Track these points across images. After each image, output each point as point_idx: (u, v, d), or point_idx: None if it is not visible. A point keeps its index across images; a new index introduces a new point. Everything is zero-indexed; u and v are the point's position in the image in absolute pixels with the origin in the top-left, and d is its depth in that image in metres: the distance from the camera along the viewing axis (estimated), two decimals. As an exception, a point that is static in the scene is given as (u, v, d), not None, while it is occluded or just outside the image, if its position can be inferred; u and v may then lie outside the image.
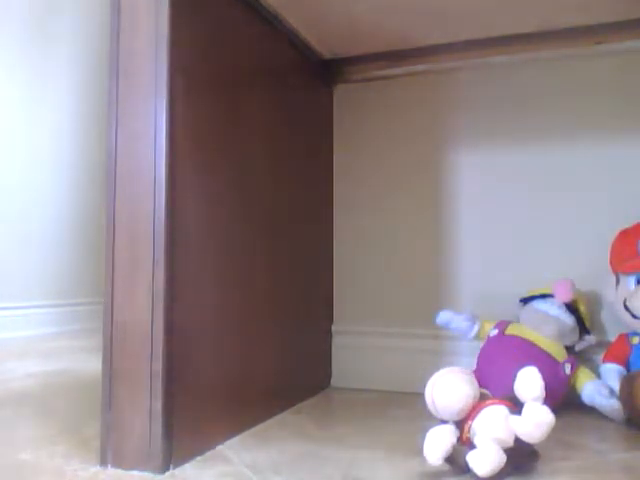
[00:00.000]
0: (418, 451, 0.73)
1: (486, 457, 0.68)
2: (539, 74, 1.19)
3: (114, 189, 0.78)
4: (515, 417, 0.71)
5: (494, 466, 0.68)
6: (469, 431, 0.72)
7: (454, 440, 0.72)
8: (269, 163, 1.03)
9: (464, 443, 0.73)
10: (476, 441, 0.71)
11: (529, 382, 0.72)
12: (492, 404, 0.74)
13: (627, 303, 1.03)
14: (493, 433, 0.70)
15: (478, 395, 0.75)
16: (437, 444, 0.72)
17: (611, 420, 0.98)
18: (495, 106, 1.21)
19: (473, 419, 0.73)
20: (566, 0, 1.01)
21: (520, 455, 0.72)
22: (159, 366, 0.73)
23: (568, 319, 1.05)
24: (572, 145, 1.16)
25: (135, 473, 0.73)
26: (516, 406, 0.73)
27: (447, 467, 0.73)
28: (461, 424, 0.73)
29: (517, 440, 0.71)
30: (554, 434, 0.72)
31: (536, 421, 0.70)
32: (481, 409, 0.73)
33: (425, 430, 0.73)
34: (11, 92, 2.20)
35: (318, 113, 1.28)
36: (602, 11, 1.06)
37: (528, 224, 1.18)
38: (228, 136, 0.90)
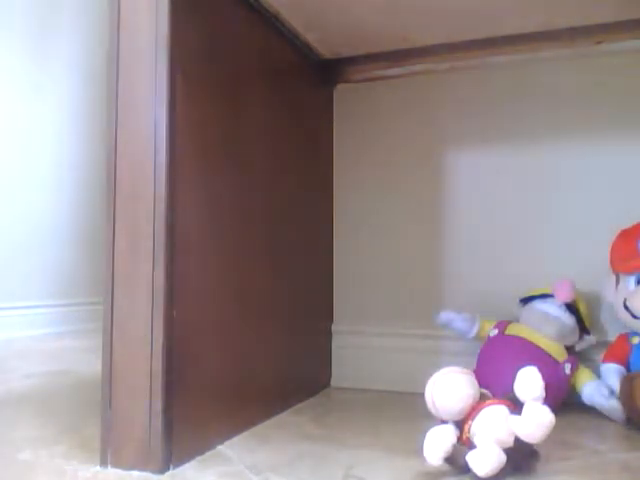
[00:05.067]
0: (418, 451, 0.73)
1: (486, 457, 0.68)
2: (539, 74, 1.19)
3: (114, 189, 0.78)
4: (515, 417, 0.71)
5: (494, 466, 0.68)
6: (469, 431, 0.72)
7: (454, 440, 0.72)
8: (269, 163, 1.03)
9: (464, 443, 0.73)
10: (476, 441, 0.71)
11: (529, 382, 0.72)
12: (492, 404, 0.74)
13: (627, 303, 1.02)
14: (493, 433, 0.70)
15: (478, 395, 0.75)
16: (437, 444, 0.72)
17: (611, 420, 0.98)
18: (495, 106, 1.21)
19: (473, 419, 0.73)
20: (566, 0, 1.01)
21: (520, 455, 0.72)
22: (159, 366, 0.73)
23: (568, 319, 1.05)
24: (572, 145, 1.16)
25: (135, 473, 0.73)
26: (516, 406, 0.73)
27: (447, 467, 0.73)
28: (461, 424, 0.73)
29: (517, 440, 0.71)
30: (554, 434, 0.72)
31: (536, 421, 0.70)
32: (481, 409, 0.73)
33: (425, 430, 0.73)
34: (12, 91, 2.20)
35: (318, 113, 1.28)
36: (602, 11, 1.05)
37: (528, 224, 1.17)
38: (228, 136, 0.90)
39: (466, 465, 0.70)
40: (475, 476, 0.69)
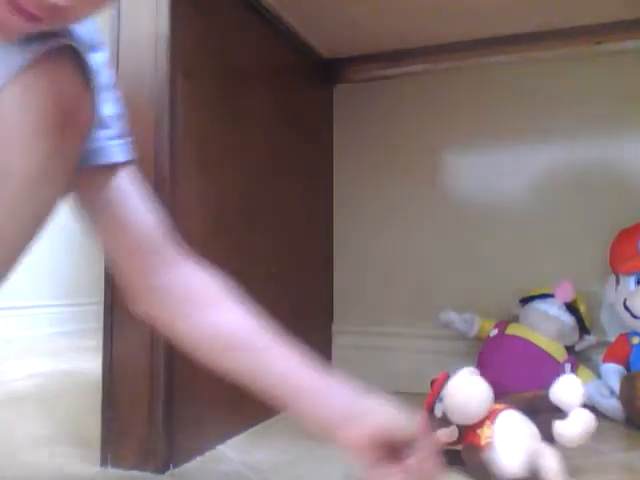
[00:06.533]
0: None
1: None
2: (539, 74, 1.18)
3: (114, 189, 0.78)
4: (561, 422, 0.71)
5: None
6: (490, 435, 0.70)
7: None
8: (269, 163, 1.03)
9: (481, 448, 0.71)
10: (497, 443, 0.70)
11: (571, 389, 0.73)
12: (505, 408, 0.73)
13: (627, 303, 1.03)
14: (521, 435, 0.70)
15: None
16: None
17: (611, 420, 0.98)
18: (495, 106, 1.21)
19: (493, 422, 0.71)
20: (566, 0, 1.01)
21: None
22: (159, 366, 0.73)
23: (568, 319, 1.05)
24: (572, 145, 1.16)
25: (135, 473, 0.73)
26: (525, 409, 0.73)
27: (447, 467, 0.73)
28: (471, 428, 0.72)
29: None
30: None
31: (584, 428, 0.71)
32: (498, 413, 0.72)
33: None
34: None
35: (318, 113, 1.28)
36: (602, 11, 1.06)
37: (528, 224, 1.17)
38: (229, 136, 0.90)
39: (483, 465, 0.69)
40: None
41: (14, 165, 0.49)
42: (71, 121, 0.52)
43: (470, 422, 0.72)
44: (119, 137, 0.62)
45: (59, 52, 0.51)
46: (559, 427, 0.71)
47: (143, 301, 0.66)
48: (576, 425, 0.71)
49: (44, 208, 0.55)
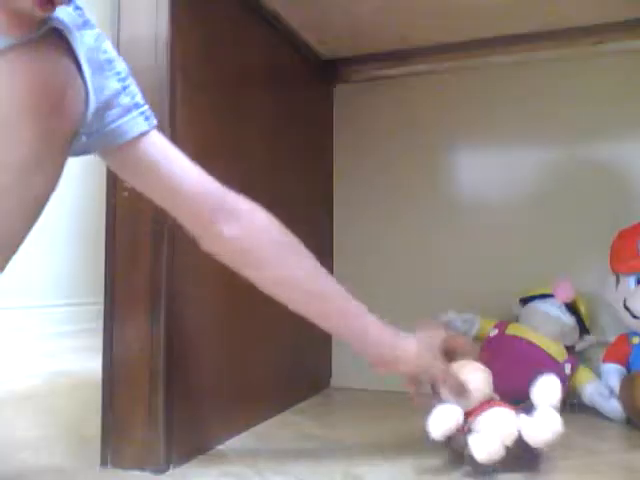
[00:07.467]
0: (418, 451, 0.73)
1: (488, 444, 0.68)
2: (539, 74, 1.18)
3: (114, 188, 0.78)
4: (526, 417, 0.71)
5: (492, 456, 0.68)
6: (472, 422, 0.73)
7: (460, 420, 0.72)
8: (269, 163, 1.03)
9: (463, 432, 0.73)
10: (477, 432, 0.71)
11: (548, 389, 0.73)
12: (500, 405, 0.74)
13: (627, 303, 1.02)
14: (498, 428, 0.70)
15: (490, 394, 0.76)
16: (444, 420, 0.72)
17: (611, 420, 0.98)
18: (495, 106, 1.21)
19: (479, 413, 0.73)
20: (566, 0, 1.01)
21: (522, 458, 0.72)
22: (159, 366, 0.73)
23: (568, 319, 1.05)
24: (572, 145, 1.16)
25: (135, 473, 0.73)
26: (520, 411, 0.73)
27: (446, 466, 0.73)
28: (464, 415, 0.73)
29: (521, 442, 0.71)
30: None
31: (546, 425, 0.70)
32: (488, 407, 0.73)
33: (425, 430, 0.73)
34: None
35: (318, 113, 1.28)
36: (602, 11, 1.06)
37: (528, 224, 1.17)
38: (228, 136, 0.90)
39: (462, 448, 0.70)
40: (470, 470, 0.69)
41: (3, 153, 0.48)
42: (59, 104, 0.51)
43: (465, 405, 0.73)
44: (130, 110, 0.61)
45: (44, 37, 0.50)
46: (523, 421, 0.71)
47: (214, 248, 0.68)
48: (538, 422, 0.70)
49: (38, 196, 0.53)
